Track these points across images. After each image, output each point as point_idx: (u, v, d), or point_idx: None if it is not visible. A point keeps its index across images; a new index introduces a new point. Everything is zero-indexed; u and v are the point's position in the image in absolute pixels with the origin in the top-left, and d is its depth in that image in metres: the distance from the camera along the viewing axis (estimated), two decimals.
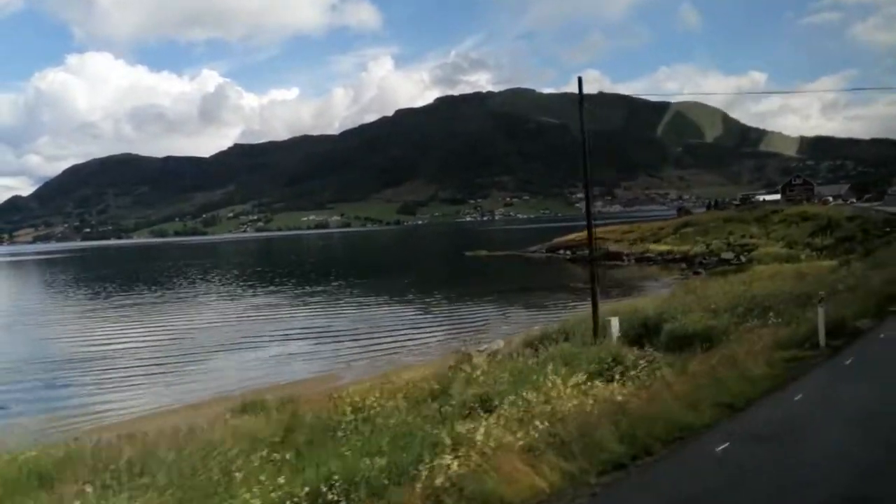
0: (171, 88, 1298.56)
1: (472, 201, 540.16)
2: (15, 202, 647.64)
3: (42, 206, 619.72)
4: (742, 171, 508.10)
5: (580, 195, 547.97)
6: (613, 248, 61.27)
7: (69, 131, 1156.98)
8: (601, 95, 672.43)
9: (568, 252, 67.91)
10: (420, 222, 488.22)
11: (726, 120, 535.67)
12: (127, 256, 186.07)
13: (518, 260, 74.93)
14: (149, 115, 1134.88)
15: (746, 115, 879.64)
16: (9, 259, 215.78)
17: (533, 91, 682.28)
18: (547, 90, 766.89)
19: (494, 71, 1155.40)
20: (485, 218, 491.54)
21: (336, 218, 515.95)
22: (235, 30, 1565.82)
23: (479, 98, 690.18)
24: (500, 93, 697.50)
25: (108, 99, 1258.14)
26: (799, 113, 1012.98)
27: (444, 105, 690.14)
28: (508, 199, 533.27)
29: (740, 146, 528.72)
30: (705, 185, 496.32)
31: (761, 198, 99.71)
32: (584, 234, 73.13)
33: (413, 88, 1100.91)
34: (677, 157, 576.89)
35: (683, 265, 49.42)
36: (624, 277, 47.54)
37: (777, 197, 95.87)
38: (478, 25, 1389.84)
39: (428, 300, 46.63)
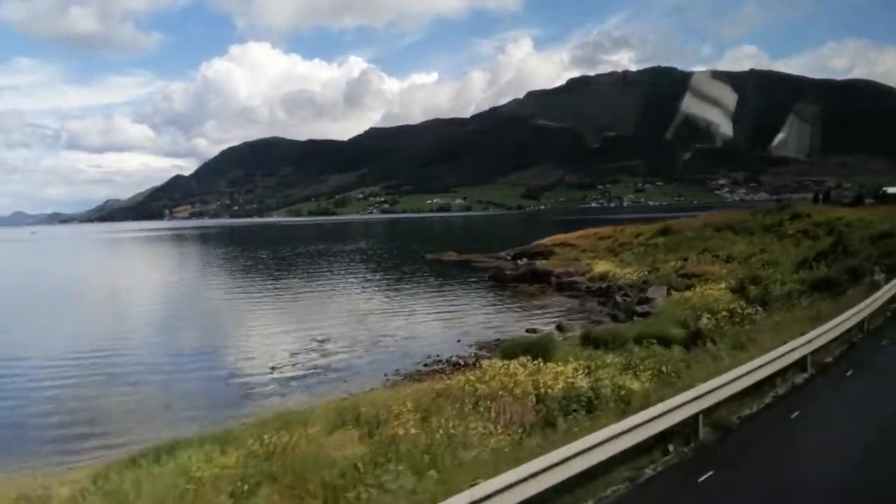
0: (321, 75, 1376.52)
1: (599, 186, 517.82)
2: (178, 181, 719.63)
3: (200, 185, 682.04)
4: None
5: (722, 181, 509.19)
6: (544, 265, 45.85)
7: (231, 116, 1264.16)
8: (752, 73, 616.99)
9: (524, 259, 52.15)
10: (543, 207, 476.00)
11: None
12: (290, 234, 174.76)
13: (450, 270, 55.92)
14: (300, 100, 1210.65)
15: None
16: (172, 233, 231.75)
17: (675, 69, 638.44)
18: (695, 68, 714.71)
19: (637, 49, 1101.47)
20: (612, 204, 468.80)
21: (459, 201, 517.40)
22: (382, 15, 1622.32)
23: (614, 78, 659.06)
24: (638, 72, 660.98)
25: (265, 85, 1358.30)
26: None
27: (578, 86, 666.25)
28: (640, 184, 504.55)
29: None
30: (871, 172, 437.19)
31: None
32: (574, 234, 58.16)
33: (552, 70, 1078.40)
34: (841, 141, 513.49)
35: (601, 300, 34.27)
36: (499, 323, 30.34)
37: None
38: (624, 2, 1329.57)
39: None
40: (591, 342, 20.40)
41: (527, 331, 26.09)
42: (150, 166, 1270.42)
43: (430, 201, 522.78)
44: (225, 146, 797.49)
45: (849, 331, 14.80)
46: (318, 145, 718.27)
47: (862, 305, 15.61)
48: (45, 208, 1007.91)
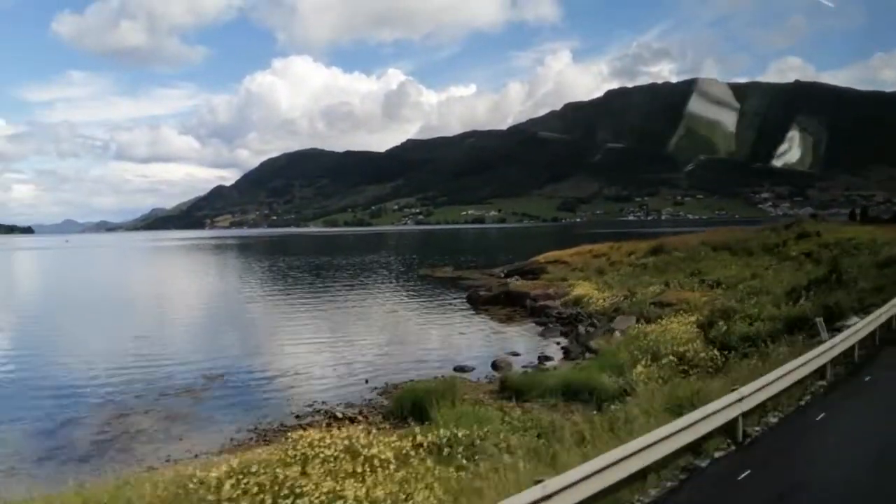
0: (360, 87, 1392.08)
1: (637, 199, 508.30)
2: (219, 191, 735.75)
3: (240, 195, 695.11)
4: None
5: (765, 195, 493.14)
6: (519, 286, 40.77)
7: (272, 128, 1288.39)
8: (797, 85, 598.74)
9: (516, 277, 47.97)
10: (578, 220, 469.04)
11: None
12: (309, 245, 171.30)
13: (434, 288, 51.91)
14: (339, 112, 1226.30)
15: None
16: (202, 242, 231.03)
17: (715, 81, 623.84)
18: (737, 79, 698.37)
19: (679, 60, 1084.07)
20: (649, 217, 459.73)
21: (493, 213, 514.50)
22: (419, 28, 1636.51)
23: (652, 90, 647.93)
24: (677, 84, 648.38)
25: (306, 98, 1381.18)
26: None
27: (615, 98, 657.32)
28: (679, 197, 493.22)
29: None
30: None
31: None
32: (569, 251, 51.85)
33: (590, 81, 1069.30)
34: (892, 155, 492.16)
35: (564, 330, 29.66)
36: (438, 357, 25.98)
37: None
38: (665, 13, 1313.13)
39: None
40: (507, 390, 17.69)
41: (455, 368, 22.98)
42: (194, 176, 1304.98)
43: (464, 213, 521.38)
44: (266, 157, 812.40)
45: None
46: (355, 157, 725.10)
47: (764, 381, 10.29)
48: (93, 217, 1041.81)
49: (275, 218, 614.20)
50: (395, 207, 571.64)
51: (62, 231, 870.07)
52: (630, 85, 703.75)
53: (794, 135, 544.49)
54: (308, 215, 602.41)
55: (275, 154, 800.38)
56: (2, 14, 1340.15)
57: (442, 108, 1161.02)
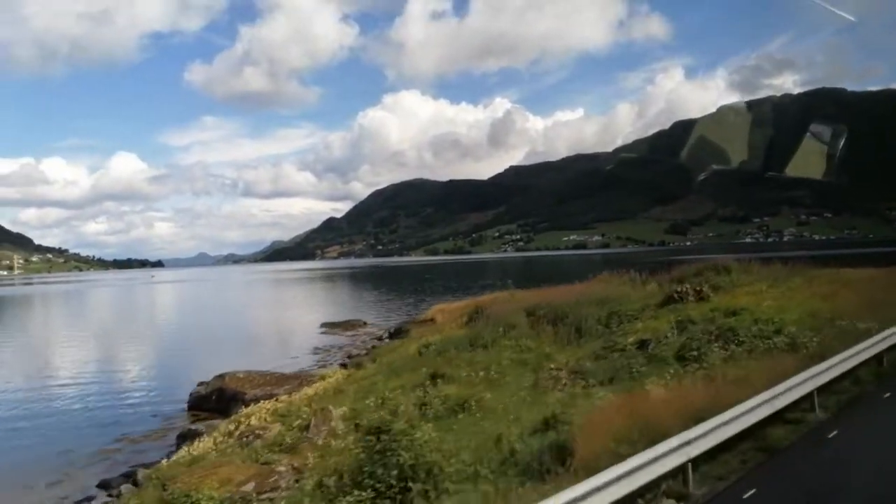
0: (467, 117, 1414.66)
1: (756, 220, 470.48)
2: (330, 223, 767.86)
3: (349, 226, 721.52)
4: None
5: None
6: (234, 384, 25.77)
7: (383, 160, 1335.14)
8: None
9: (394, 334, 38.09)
10: (688, 243, 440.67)
11: None
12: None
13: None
14: (446, 142, 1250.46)
15: None
16: (324, 272, 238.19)
17: (844, 91, 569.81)
18: (871, 87, 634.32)
19: (804, 71, 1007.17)
20: (769, 239, 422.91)
21: (596, 238, 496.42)
22: (525, 56, 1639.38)
23: (770, 103, 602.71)
24: (799, 95, 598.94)
25: (414, 130, 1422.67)
26: None
27: (730, 113, 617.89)
28: (804, 216, 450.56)
29: None
30: None
31: None
32: (460, 304, 37.28)
33: (705, 97, 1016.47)
34: None
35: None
36: None
37: None
38: (788, 23, 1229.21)
39: None
40: None
41: None
42: (312, 209, 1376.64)
43: (566, 238, 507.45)
44: (376, 188, 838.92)
45: None
46: (458, 185, 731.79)
47: None
48: (223, 250, 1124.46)
49: (380, 248, 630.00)
50: (496, 234, 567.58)
51: (197, 263, 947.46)
52: (748, 99, 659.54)
53: None
54: (411, 244, 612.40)
55: (384, 185, 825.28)
56: (140, 67, 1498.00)
57: (548, 133, 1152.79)
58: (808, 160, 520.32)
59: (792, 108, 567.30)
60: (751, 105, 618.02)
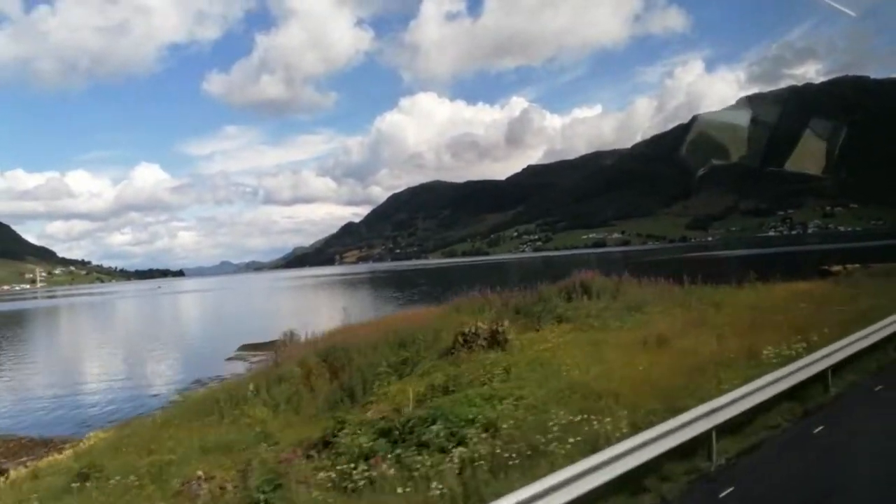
0: (483, 118, 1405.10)
1: (780, 212, 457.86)
2: (349, 227, 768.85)
3: (368, 231, 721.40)
4: None
5: None
6: None
7: (401, 163, 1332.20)
8: None
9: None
10: (710, 238, 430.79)
11: None
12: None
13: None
14: (463, 143, 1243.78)
15: None
16: (328, 277, 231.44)
17: (867, 78, 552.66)
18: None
19: (826, 59, 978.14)
20: (793, 232, 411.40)
21: (616, 236, 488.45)
22: (541, 54, 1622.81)
23: (789, 92, 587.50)
24: (819, 84, 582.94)
25: (432, 132, 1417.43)
26: None
27: (750, 104, 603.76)
28: (828, 207, 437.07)
29: None
30: None
31: None
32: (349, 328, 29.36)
33: (726, 90, 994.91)
34: None
35: None
36: None
37: None
38: (808, 11, 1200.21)
39: None
40: None
41: None
42: (333, 215, 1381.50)
43: (585, 237, 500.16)
44: (394, 192, 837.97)
45: None
46: (475, 186, 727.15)
47: None
48: (245, 257, 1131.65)
49: (398, 251, 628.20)
50: (514, 234, 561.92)
51: (220, 272, 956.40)
52: (769, 89, 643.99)
53: None
54: (429, 247, 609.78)
55: (403, 188, 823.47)
56: (159, 78, 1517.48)
57: (566, 131, 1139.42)
58: (811, 154, 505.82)
59: (816, 96, 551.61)
60: (771, 94, 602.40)
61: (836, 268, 60.81)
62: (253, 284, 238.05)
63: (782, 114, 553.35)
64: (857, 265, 61.50)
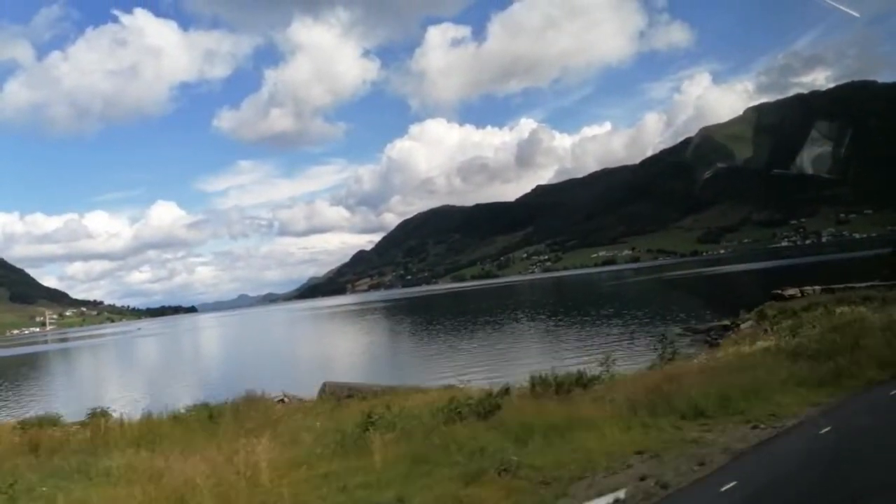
0: (493, 140, 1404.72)
1: (793, 222, 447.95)
2: (360, 255, 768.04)
3: (379, 258, 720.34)
4: None
5: None
6: None
7: (412, 189, 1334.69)
8: None
9: None
10: (723, 251, 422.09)
11: None
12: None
13: None
14: (473, 166, 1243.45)
15: None
16: (356, 307, 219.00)
17: (875, 83, 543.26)
18: None
19: (834, 66, 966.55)
20: (807, 241, 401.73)
21: (626, 253, 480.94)
22: (547, 75, 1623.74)
23: (797, 101, 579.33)
24: (826, 91, 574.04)
25: (442, 157, 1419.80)
26: None
27: (758, 114, 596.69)
28: (842, 214, 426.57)
29: None
30: None
31: None
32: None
33: (735, 101, 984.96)
34: None
35: None
36: None
37: None
38: (815, 19, 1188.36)
39: None
40: None
41: None
42: (347, 244, 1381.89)
43: (594, 255, 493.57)
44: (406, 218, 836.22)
45: None
46: (484, 209, 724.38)
47: None
48: (262, 290, 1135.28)
49: (409, 277, 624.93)
50: (524, 256, 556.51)
51: (237, 305, 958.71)
52: (776, 98, 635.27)
53: None
54: (440, 272, 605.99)
55: (415, 214, 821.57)
56: (171, 117, 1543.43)
57: (576, 150, 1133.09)
58: (816, 155, 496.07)
59: (826, 103, 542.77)
60: (778, 104, 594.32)
61: (791, 291, 55.54)
62: (250, 323, 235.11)
63: (788, 117, 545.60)
64: (818, 287, 55.90)
